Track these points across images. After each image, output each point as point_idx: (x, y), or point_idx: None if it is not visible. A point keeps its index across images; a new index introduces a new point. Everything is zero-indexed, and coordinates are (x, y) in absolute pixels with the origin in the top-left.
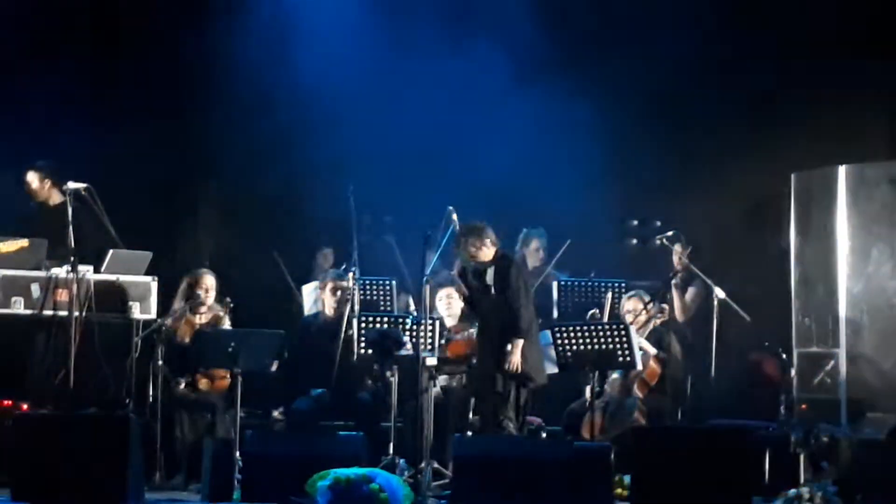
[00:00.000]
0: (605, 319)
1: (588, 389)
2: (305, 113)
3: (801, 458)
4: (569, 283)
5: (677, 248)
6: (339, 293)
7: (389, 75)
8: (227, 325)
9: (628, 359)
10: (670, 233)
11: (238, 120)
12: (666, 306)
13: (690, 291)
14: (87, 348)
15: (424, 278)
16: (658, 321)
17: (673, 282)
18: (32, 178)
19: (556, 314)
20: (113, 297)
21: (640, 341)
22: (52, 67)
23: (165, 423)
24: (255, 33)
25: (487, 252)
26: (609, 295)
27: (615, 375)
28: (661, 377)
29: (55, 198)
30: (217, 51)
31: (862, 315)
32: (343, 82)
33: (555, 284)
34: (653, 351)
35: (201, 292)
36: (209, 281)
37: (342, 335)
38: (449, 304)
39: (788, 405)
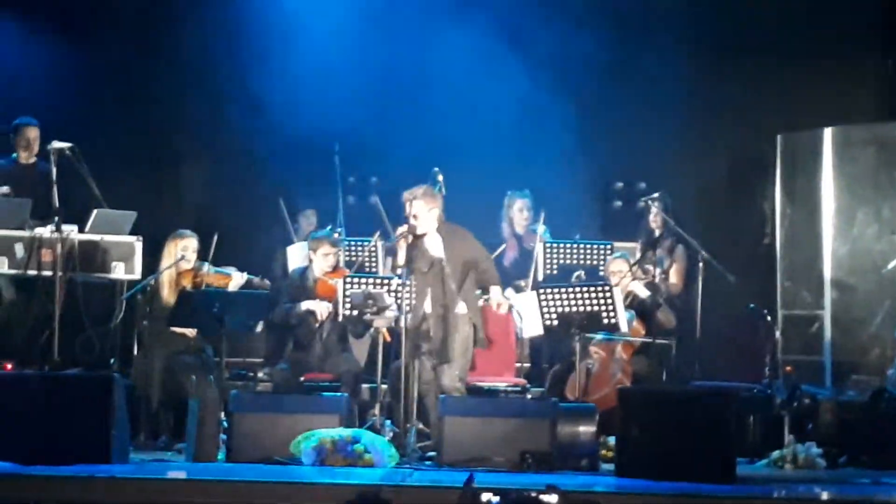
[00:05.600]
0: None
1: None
2: (291, 71)
3: (786, 419)
4: (553, 244)
5: (653, 209)
6: (330, 258)
7: (375, 35)
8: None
9: (613, 320)
10: (656, 195)
11: (221, 78)
12: (650, 268)
13: (673, 268)
14: (71, 308)
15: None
16: (643, 283)
17: (658, 248)
18: (36, 134)
19: (540, 276)
20: (97, 257)
21: (635, 286)
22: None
23: (149, 383)
24: None
25: None
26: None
27: (599, 337)
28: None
29: (31, 157)
30: (200, 8)
31: (847, 277)
32: (329, 40)
33: (539, 246)
34: (645, 293)
35: (180, 252)
36: (186, 242)
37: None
38: None
39: (773, 367)
